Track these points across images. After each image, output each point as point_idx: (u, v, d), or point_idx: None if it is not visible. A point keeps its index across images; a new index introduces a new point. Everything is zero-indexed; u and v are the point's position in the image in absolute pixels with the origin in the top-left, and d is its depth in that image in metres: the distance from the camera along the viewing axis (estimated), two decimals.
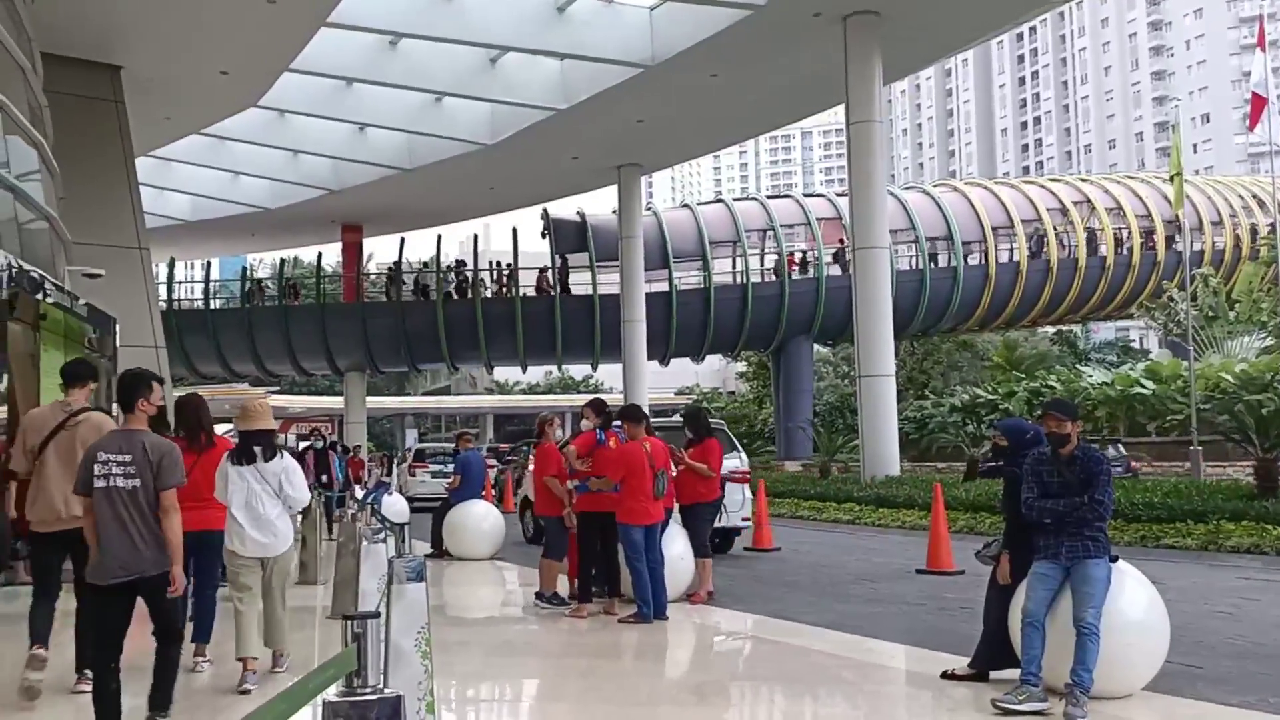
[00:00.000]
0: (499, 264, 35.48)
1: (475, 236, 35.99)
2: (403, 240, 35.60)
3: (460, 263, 35.87)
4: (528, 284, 34.57)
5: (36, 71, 13.77)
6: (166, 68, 18.10)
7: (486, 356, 35.84)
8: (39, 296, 11.80)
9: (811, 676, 6.47)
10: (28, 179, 12.83)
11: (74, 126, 15.41)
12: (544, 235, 34.69)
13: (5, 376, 10.84)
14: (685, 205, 40.93)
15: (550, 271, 33.93)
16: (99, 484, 4.67)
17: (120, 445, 4.77)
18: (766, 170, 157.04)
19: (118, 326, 13.70)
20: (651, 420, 9.07)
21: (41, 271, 12.04)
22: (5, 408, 10.89)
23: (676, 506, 9.07)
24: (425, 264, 35.44)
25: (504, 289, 34.54)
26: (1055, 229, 37.10)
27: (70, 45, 16.07)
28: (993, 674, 5.72)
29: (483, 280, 34.72)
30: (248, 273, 39.07)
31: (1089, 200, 38.38)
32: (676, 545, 8.79)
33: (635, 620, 7.89)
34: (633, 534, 7.94)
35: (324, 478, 16.14)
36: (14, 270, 11.06)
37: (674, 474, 8.76)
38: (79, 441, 5.48)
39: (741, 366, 49.69)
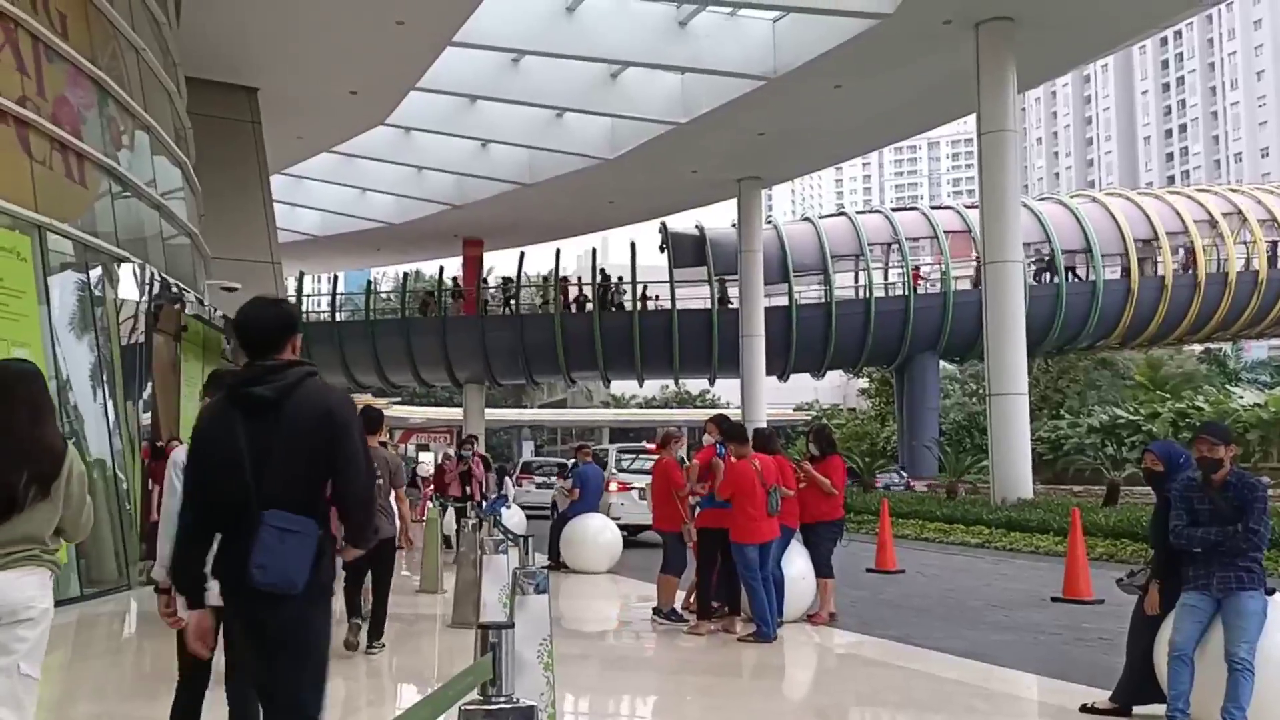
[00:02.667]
0: (611, 278, 35.70)
1: (594, 250, 36.18)
2: (522, 254, 36.20)
3: (564, 277, 36.49)
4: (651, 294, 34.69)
5: (181, 95, 14.46)
6: (300, 89, 18.83)
7: (604, 370, 36.05)
8: (180, 309, 12.32)
9: (940, 705, 6.17)
10: (172, 197, 13.44)
11: (214, 146, 16.13)
12: (662, 249, 34.75)
13: (150, 385, 11.34)
14: (806, 218, 40.47)
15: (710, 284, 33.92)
16: None
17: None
18: (891, 182, 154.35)
19: None
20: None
21: (183, 285, 12.57)
22: (149, 414, 11.37)
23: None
24: (483, 280, 36.54)
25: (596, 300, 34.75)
26: (1204, 242, 35.19)
27: (211, 69, 16.87)
28: (1136, 709, 5.43)
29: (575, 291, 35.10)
30: (379, 280, 40.32)
31: (1240, 211, 36.30)
32: (796, 564, 8.57)
33: (755, 639, 7.71)
34: (746, 552, 7.78)
35: (467, 489, 14.35)
36: (159, 284, 11.57)
37: (792, 491, 8.53)
38: None
39: (863, 383, 48.79)
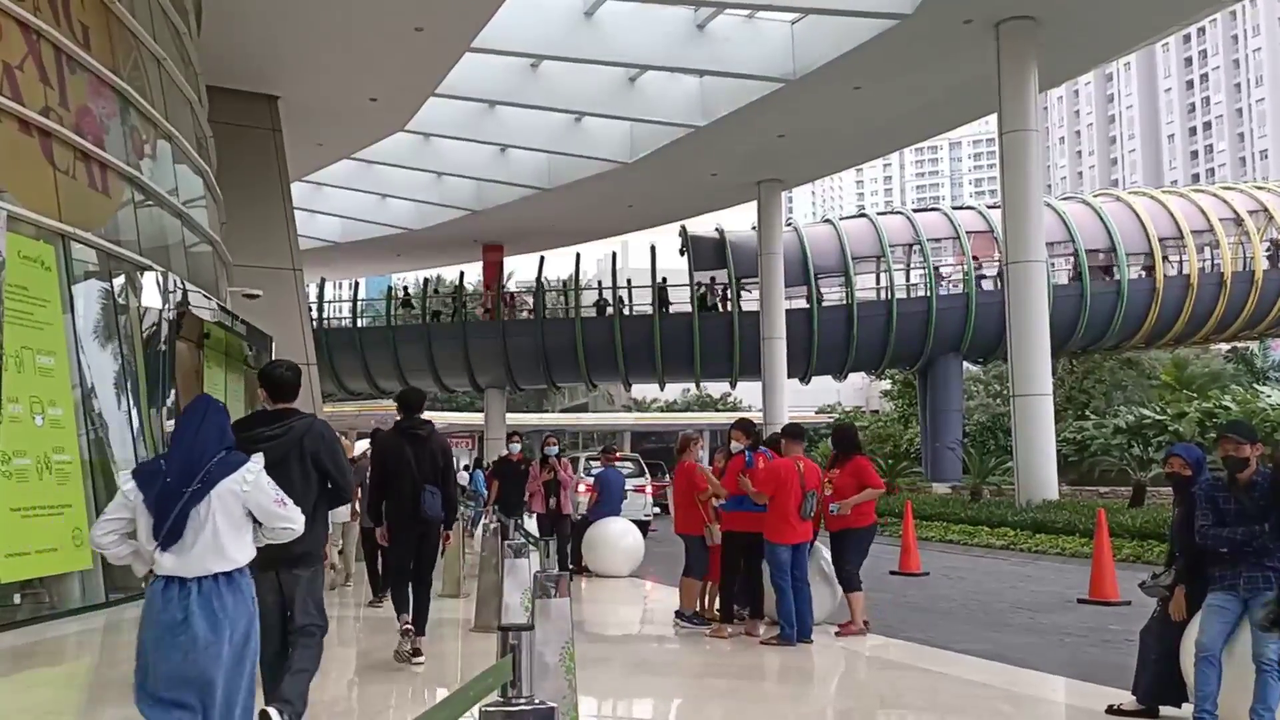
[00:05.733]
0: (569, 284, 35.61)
1: (614, 254, 36.22)
2: (542, 259, 36.22)
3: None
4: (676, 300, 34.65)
5: (202, 103, 14.56)
6: (320, 96, 18.95)
7: (625, 374, 36.04)
8: (203, 316, 12.39)
9: (965, 708, 6.11)
10: (194, 205, 13.53)
11: (235, 154, 16.24)
12: (683, 252, 34.68)
13: (173, 392, 11.41)
14: (827, 220, 40.30)
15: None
16: None
17: None
18: (912, 183, 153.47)
19: (273, 344, 14.26)
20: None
21: (206, 292, 12.65)
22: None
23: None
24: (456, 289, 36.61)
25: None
26: (1229, 239, 34.78)
27: (232, 77, 16.98)
28: (1162, 709, 5.40)
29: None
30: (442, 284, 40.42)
31: (1266, 209, 35.85)
32: (811, 571, 8.51)
33: (778, 642, 7.67)
34: (779, 553, 7.73)
35: (553, 501, 12.81)
36: (182, 291, 11.65)
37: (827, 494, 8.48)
38: None
39: (886, 385, 48.55)
